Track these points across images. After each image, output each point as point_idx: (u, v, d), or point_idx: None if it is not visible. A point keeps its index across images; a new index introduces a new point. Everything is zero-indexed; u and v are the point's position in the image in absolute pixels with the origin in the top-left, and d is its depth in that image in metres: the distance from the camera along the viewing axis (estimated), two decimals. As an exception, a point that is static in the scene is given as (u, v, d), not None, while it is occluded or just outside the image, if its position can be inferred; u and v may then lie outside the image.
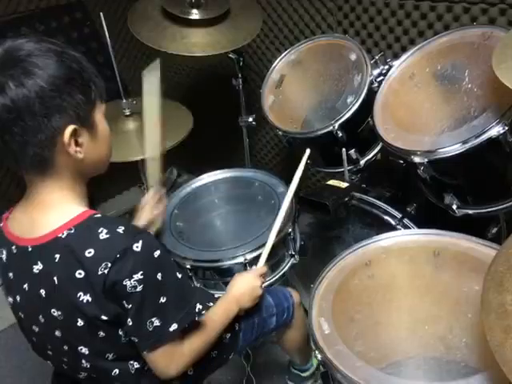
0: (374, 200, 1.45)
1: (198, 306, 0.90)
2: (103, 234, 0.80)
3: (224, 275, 1.30)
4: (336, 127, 1.38)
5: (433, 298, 1.06)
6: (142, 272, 0.81)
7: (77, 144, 0.82)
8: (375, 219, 1.43)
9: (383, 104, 1.30)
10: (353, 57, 1.45)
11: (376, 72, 1.42)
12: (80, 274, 0.80)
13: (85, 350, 0.88)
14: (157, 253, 0.84)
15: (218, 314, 1.04)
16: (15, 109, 0.74)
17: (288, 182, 1.37)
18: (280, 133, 1.48)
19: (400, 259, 1.17)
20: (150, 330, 0.84)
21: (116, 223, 0.83)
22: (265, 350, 1.68)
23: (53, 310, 0.85)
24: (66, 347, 0.90)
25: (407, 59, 1.34)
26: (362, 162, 1.52)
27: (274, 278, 1.36)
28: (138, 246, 0.81)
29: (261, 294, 1.15)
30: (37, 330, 0.91)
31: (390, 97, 1.31)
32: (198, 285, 1.32)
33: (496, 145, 1.04)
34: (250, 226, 1.37)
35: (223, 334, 1.11)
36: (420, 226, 1.39)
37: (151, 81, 1.19)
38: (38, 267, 0.83)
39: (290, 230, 1.32)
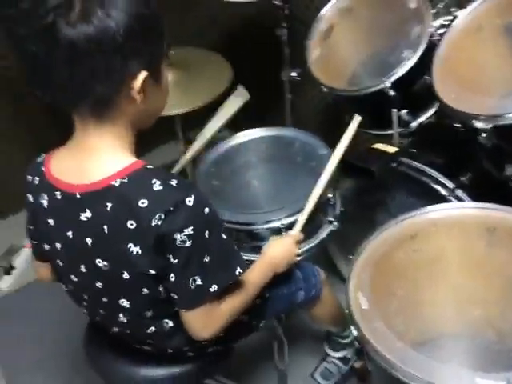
0: (425, 167, 1.33)
1: (239, 270, 0.87)
2: (157, 186, 0.77)
3: (258, 239, 1.25)
4: (388, 85, 1.26)
5: (484, 278, 0.97)
6: (192, 227, 0.78)
7: (143, 93, 0.77)
8: (424, 188, 1.32)
9: (444, 59, 1.16)
10: (412, 5, 1.29)
11: (438, 23, 1.27)
12: (132, 224, 0.77)
13: (126, 304, 0.87)
14: (207, 209, 0.81)
15: (255, 276, 1.00)
16: (97, 40, 0.68)
17: (331, 145, 1.28)
18: (325, 89, 1.37)
19: (450, 234, 1.08)
20: (192, 287, 0.82)
21: (169, 175, 0.80)
22: (298, 313, 1.65)
23: (98, 260, 0.83)
24: (105, 299, 0.89)
25: (475, 9, 1.18)
26: (414, 125, 1.39)
27: (312, 244, 1.29)
28: (190, 201, 0.77)
29: (296, 259, 1.11)
30: (75, 279, 0.89)
31: (452, 51, 1.17)
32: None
33: None
34: (287, 189, 1.30)
35: (254, 300, 1.07)
36: (474, 199, 1.28)
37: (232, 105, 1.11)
38: (86, 215, 0.80)
39: (331, 195, 1.23)
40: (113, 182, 0.78)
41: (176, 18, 1.85)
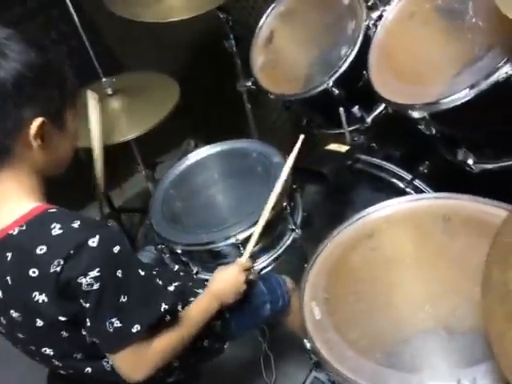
0: (381, 162, 1.31)
1: (164, 306, 0.83)
2: (56, 230, 0.75)
3: (220, 258, 1.23)
4: (330, 84, 1.24)
5: (438, 273, 0.93)
6: (98, 269, 0.75)
7: (42, 139, 0.78)
8: (383, 183, 1.29)
9: (379, 51, 1.14)
10: (345, 1, 1.27)
11: (375, 15, 1.25)
12: (34, 272, 0.75)
13: (49, 351, 0.85)
14: (116, 248, 0.78)
15: (195, 311, 0.97)
16: None
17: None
18: (272, 96, 1.35)
19: (405, 228, 1.05)
20: (110, 330, 0.79)
21: (72, 218, 0.77)
22: (281, 326, 1.62)
23: (11, 311, 0.81)
24: (32, 347, 0.87)
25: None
26: (369, 120, 1.37)
27: (275, 254, 1.27)
28: (94, 241, 0.75)
29: (244, 288, 1.07)
30: (3, 331, 0.88)
31: (386, 42, 1.15)
32: (196, 269, 1.26)
33: (506, 87, 0.87)
34: (244, 203, 1.28)
35: (213, 323, 1.05)
36: (435, 188, 1.25)
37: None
38: None
39: (285, 203, 1.21)
40: (11, 231, 0.77)
41: (124, 44, 1.85)
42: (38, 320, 0.79)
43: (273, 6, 1.43)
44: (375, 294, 0.95)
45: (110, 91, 1.41)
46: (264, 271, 1.26)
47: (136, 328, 0.80)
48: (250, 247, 1.13)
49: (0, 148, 0.76)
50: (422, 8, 1.11)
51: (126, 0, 1.37)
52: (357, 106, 1.34)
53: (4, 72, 0.71)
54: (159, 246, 1.25)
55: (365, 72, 1.16)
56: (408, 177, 1.25)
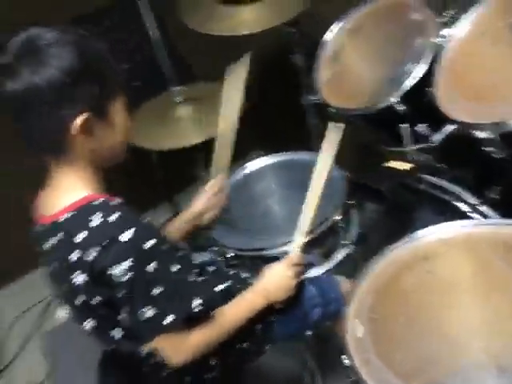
0: (447, 183, 1.25)
1: (198, 301, 0.86)
2: (97, 220, 0.81)
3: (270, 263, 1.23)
4: (395, 100, 1.21)
5: (494, 303, 0.88)
6: (129, 261, 0.80)
7: (90, 133, 0.83)
8: (447, 206, 1.23)
9: (447, 68, 1.10)
10: (416, 16, 1.25)
11: (446, 32, 1.21)
12: (73, 257, 0.82)
13: (93, 323, 0.90)
14: (149, 243, 0.82)
15: (239, 306, 0.99)
16: (26, 96, 0.77)
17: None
18: (333, 110, 1.35)
19: (463, 253, 0.99)
20: (144, 319, 0.83)
21: (113, 209, 0.83)
22: (329, 337, 1.57)
23: (61, 286, 0.89)
24: (79, 319, 0.93)
25: (475, 15, 1.11)
26: (435, 139, 1.32)
27: (326, 269, 1.25)
28: (128, 235, 0.80)
29: (294, 285, 1.05)
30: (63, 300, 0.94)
31: (455, 59, 1.10)
32: (246, 275, 1.27)
33: None
34: (298, 214, 1.28)
35: (254, 326, 1.05)
36: (504, 215, 1.17)
37: (236, 76, 1.12)
38: (49, 244, 0.87)
39: (339, 217, 1.19)
40: (62, 216, 0.84)
41: (196, 55, 1.94)
42: (77, 298, 0.86)
43: (341, 22, 1.43)
44: (427, 318, 0.91)
45: (179, 99, 1.49)
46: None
47: (167, 320, 0.83)
48: (298, 241, 1.10)
49: (53, 146, 0.83)
50: (494, 26, 1.07)
51: (201, 15, 1.44)
52: (423, 124, 1.30)
53: (39, 78, 0.76)
54: (212, 249, 1.28)
55: (430, 89, 1.12)
56: (474, 201, 1.19)
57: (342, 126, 1.16)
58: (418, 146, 1.33)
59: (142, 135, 1.48)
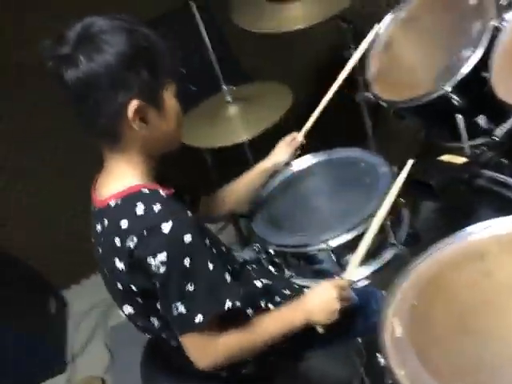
0: (507, 178, 1.14)
1: (229, 303, 0.85)
2: (139, 209, 0.83)
3: (314, 263, 1.20)
4: (449, 89, 1.13)
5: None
6: (166, 253, 0.80)
7: (143, 120, 0.85)
8: (507, 202, 1.12)
9: (504, 53, 1.01)
10: (472, 1, 1.16)
11: (508, 15, 1.11)
12: (117, 242, 0.84)
13: (130, 309, 0.91)
14: (187, 237, 0.82)
15: (278, 318, 0.95)
16: (86, 82, 0.80)
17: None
18: (384, 104, 1.29)
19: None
20: (175, 314, 0.83)
21: (157, 200, 0.84)
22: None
23: (105, 268, 0.91)
24: (120, 303, 0.94)
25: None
26: (499, 132, 1.21)
27: (373, 268, 1.18)
28: (166, 226, 0.80)
29: (337, 307, 0.96)
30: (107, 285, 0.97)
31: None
32: (290, 273, 1.25)
33: None
34: (344, 212, 1.23)
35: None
36: None
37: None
38: (98, 227, 0.90)
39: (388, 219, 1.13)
40: (110, 202, 0.86)
41: (250, 55, 1.97)
42: (118, 283, 0.88)
43: (393, 12, 1.37)
44: (475, 322, 0.83)
45: (229, 99, 1.51)
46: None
47: (198, 318, 0.83)
48: (351, 266, 1.03)
49: (108, 132, 0.86)
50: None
51: (250, 14, 1.46)
52: (483, 116, 1.20)
53: (97, 65, 0.79)
54: (255, 245, 1.27)
55: (485, 74, 1.04)
56: (539, 197, 1.07)
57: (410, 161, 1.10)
58: (478, 142, 1.24)
59: (195, 135, 1.52)
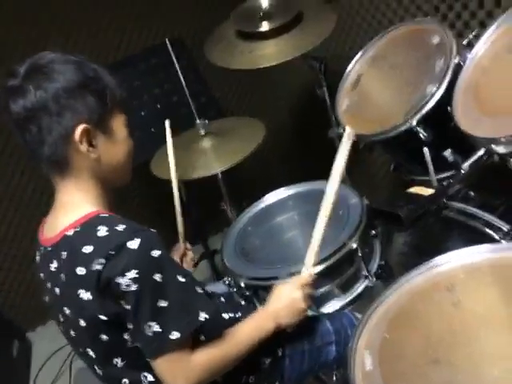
0: (475, 210, 1.16)
1: (204, 315, 0.82)
2: (102, 232, 0.81)
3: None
4: (414, 123, 1.17)
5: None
6: (136, 270, 0.78)
7: (91, 145, 0.86)
8: (475, 234, 1.14)
9: (466, 86, 1.05)
10: (435, 40, 1.22)
11: (469, 52, 1.17)
12: (80, 270, 0.81)
13: (92, 354, 0.87)
14: (156, 252, 0.81)
15: (247, 328, 0.94)
16: (33, 109, 0.82)
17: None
18: (353, 138, 1.31)
19: (488, 282, 0.89)
20: (150, 334, 0.80)
21: (119, 222, 0.83)
22: None
23: (65, 309, 0.87)
24: (80, 349, 0.90)
25: (493, 35, 1.07)
26: (465, 166, 1.24)
27: (346, 301, 1.18)
28: (134, 244, 0.79)
29: (304, 307, 0.98)
30: (62, 330, 0.93)
31: (476, 77, 1.05)
32: (261, 307, 1.22)
33: None
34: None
35: (262, 359, 0.99)
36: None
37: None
38: (54, 266, 0.87)
39: (355, 245, 1.13)
40: (67, 232, 0.84)
41: (223, 91, 1.99)
42: (81, 320, 0.84)
43: (362, 51, 1.42)
44: (445, 352, 0.81)
45: (202, 132, 1.52)
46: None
47: (175, 335, 0.80)
48: (308, 259, 1.02)
49: (57, 159, 0.85)
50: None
51: (222, 50, 1.50)
52: (449, 150, 1.24)
53: (45, 92, 0.81)
54: (226, 279, 1.25)
55: (449, 107, 1.07)
56: (505, 228, 1.09)
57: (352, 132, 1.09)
58: (445, 174, 1.27)
59: (168, 168, 1.52)
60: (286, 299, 0.98)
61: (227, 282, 1.26)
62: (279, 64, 1.45)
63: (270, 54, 1.45)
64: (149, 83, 1.91)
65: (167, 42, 1.70)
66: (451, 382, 0.75)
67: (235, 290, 1.26)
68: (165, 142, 1.34)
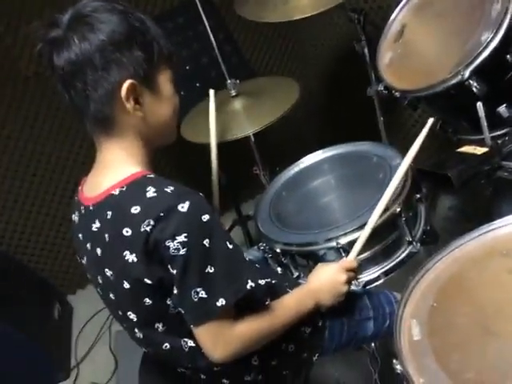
0: (532, 170, 1.06)
1: (250, 283, 0.79)
2: (151, 193, 0.77)
3: (320, 261, 1.12)
4: (466, 75, 1.06)
5: None
6: (185, 234, 0.75)
7: (137, 102, 0.81)
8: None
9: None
10: (492, -20, 1.08)
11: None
12: (127, 231, 0.78)
13: (133, 317, 0.85)
14: (205, 217, 0.77)
15: (289, 302, 0.91)
16: (78, 62, 0.77)
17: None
18: (397, 94, 1.22)
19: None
20: (195, 300, 0.77)
21: (167, 183, 0.79)
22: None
23: (106, 270, 0.84)
24: (120, 312, 0.88)
25: None
26: (522, 121, 1.13)
27: (387, 267, 1.11)
28: (183, 207, 0.75)
29: (345, 291, 0.96)
30: (100, 292, 0.91)
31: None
32: (297, 273, 1.18)
33: None
34: (355, 208, 1.15)
35: (303, 328, 0.96)
36: None
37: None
38: (96, 225, 0.84)
39: (398, 209, 1.05)
40: (113, 192, 0.80)
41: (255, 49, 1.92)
42: (125, 281, 0.81)
43: (404, 1, 1.30)
44: (499, 323, 0.75)
45: (233, 93, 1.46)
46: (372, 285, 1.11)
47: (221, 302, 0.77)
48: (356, 247, 1.00)
49: (102, 117, 0.81)
50: None
51: (255, 4, 1.40)
52: (504, 105, 1.12)
53: (89, 43, 0.76)
54: (261, 245, 1.21)
55: (508, 57, 0.96)
56: None
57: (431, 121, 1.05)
58: (499, 132, 1.16)
59: (198, 131, 1.47)
60: (329, 280, 0.96)
61: (262, 248, 1.23)
62: (314, 16, 1.34)
63: (304, 4, 1.34)
64: (177, 44, 1.84)
65: (195, -3, 1.63)
66: (507, 356, 0.69)
67: (270, 255, 1.22)
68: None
